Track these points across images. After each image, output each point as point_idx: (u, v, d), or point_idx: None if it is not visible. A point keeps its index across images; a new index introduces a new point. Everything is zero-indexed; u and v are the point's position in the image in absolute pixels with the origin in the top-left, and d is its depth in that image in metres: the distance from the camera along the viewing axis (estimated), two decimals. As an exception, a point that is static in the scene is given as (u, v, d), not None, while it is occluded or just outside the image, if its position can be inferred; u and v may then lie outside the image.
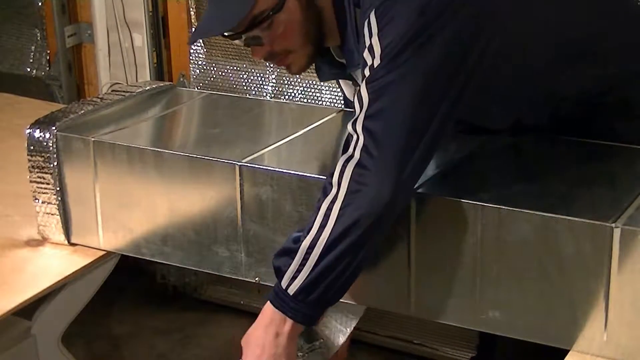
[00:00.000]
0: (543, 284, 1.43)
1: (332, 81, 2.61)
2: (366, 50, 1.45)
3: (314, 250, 1.44)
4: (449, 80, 1.43)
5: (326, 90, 2.63)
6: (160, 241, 1.77)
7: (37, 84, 3.18)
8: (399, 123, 1.41)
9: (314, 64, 1.72)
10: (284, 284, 1.47)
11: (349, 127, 1.46)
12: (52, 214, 1.85)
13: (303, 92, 2.69)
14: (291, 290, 1.46)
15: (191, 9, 2.85)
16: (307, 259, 1.44)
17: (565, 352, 1.44)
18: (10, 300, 1.69)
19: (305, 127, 1.81)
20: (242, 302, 3.01)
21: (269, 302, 1.50)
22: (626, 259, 1.36)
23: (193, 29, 2.85)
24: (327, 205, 1.43)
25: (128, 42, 2.95)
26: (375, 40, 1.43)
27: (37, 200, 1.85)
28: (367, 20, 1.45)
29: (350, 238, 1.42)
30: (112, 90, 2.07)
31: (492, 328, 1.49)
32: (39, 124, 1.83)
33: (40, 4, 3.13)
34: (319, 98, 2.67)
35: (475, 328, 1.53)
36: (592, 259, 1.38)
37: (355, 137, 1.44)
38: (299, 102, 2.64)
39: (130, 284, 3.02)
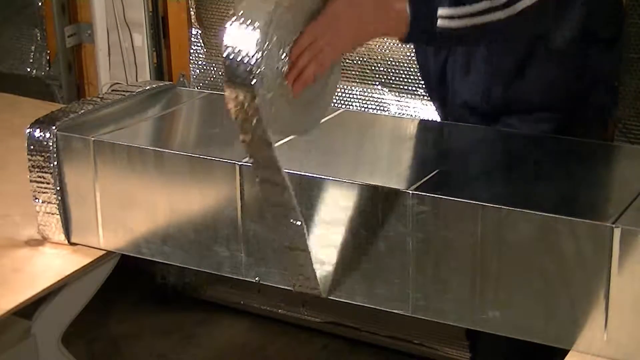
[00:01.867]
0: (543, 284, 1.43)
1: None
2: None
3: (493, 14, 1.52)
4: None
5: (326, 90, 2.63)
6: (161, 241, 1.77)
7: (37, 84, 3.18)
8: None
9: None
10: (440, 12, 1.51)
11: None
12: (52, 214, 1.85)
13: (303, 92, 2.69)
14: (439, 20, 1.51)
15: (191, 9, 2.85)
16: (480, 16, 1.52)
17: (565, 352, 1.44)
18: (10, 300, 1.69)
19: (305, 127, 1.81)
20: (242, 302, 3.02)
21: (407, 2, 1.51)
22: (626, 259, 1.36)
23: (193, 29, 2.86)
24: None
25: (128, 42, 2.95)
26: None
27: (37, 200, 1.85)
28: None
29: (530, 20, 1.54)
30: (112, 90, 2.07)
31: (492, 328, 1.49)
32: (39, 123, 1.83)
33: (40, 4, 3.14)
34: (319, 98, 2.66)
35: (475, 328, 1.52)
36: (592, 259, 1.38)
37: None
38: (299, 102, 2.64)
39: (130, 284, 3.02)
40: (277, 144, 1.72)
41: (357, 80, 2.63)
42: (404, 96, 2.58)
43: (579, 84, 1.76)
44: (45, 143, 1.81)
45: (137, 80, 2.92)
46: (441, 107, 1.91)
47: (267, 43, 1.36)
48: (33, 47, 3.20)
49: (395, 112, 2.56)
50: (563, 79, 1.75)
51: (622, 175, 1.57)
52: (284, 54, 1.41)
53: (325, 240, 1.57)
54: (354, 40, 1.51)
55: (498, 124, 1.78)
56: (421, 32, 1.52)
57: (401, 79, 2.57)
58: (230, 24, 1.36)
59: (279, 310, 2.97)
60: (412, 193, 1.49)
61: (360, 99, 2.64)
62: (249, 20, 1.35)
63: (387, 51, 2.56)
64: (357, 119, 1.90)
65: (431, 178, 1.54)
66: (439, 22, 1.51)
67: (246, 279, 1.70)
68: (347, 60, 2.59)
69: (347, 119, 1.90)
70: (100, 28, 2.98)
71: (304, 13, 1.44)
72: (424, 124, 1.95)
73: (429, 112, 2.41)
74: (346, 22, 1.48)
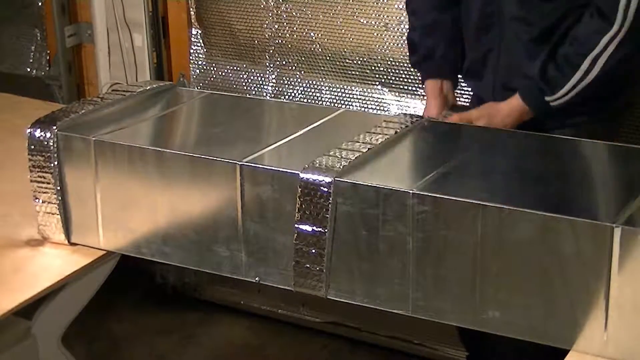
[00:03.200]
0: (543, 283, 1.43)
1: (332, 81, 2.63)
2: None
3: (590, 74, 1.79)
4: None
5: (326, 90, 2.64)
6: (161, 241, 1.77)
7: (37, 84, 3.18)
8: None
9: None
10: (549, 99, 1.90)
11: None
12: (52, 214, 1.85)
13: (303, 92, 2.69)
14: (551, 103, 1.91)
15: (191, 9, 2.85)
16: (581, 82, 1.81)
17: (565, 352, 1.44)
18: (10, 300, 1.69)
19: (305, 127, 1.81)
20: (242, 302, 3.02)
21: (521, 98, 1.95)
22: (626, 259, 1.36)
23: (193, 29, 2.86)
24: (610, 39, 1.80)
25: (128, 42, 2.95)
26: None
27: (37, 200, 1.85)
28: None
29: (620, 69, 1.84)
30: (112, 90, 2.07)
31: (492, 328, 1.49)
32: (39, 123, 1.83)
33: (40, 4, 3.14)
34: (319, 98, 2.67)
35: (476, 328, 1.52)
36: (592, 259, 1.38)
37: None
38: (299, 102, 2.64)
39: (130, 284, 3.02)
40: (276, 144, 1.73)
41: (357, 80, 2.63)
42: (404, 96, 2.58)
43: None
44: (46, 143, 1.81)
45: (137, 80, 2.92)
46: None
47: None
48: (33, 47, 3.21)
49: (396, 112, 2.56)
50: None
51: (622, 175, 1.57)
52: None
53: (326, 240, 1.57)
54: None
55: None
56: (543, 113, 1.94)
57: (401, 79, 2.58)
58: None
59: (279, 310, 2.97)
60: (413, 193, 1.49)
61: (360, 99, 2.64)
62: None
63: (387, 51, 2.57)
64: (357, 119, 1.90)
65: (431, 178, 1.54)
66: (553, 104, 1.90)
67: (246, 279, 1.70)
68: (347, 60, 2.60)
69: (347, 119, 1.90)
70: (100, 28, 2.98)
71: None
72: (424, 124, 1.95)
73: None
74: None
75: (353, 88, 2.64)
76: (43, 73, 3.19)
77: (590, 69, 1.82)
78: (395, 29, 2.55)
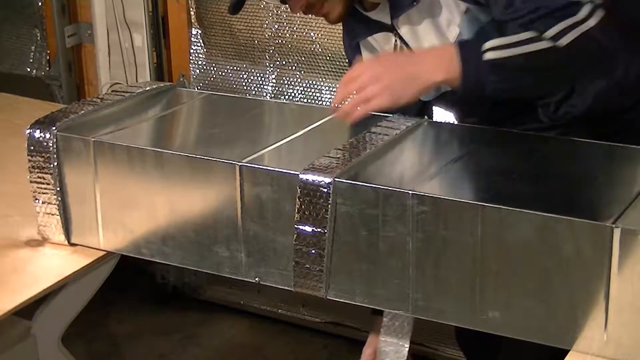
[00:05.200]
0: (543, 284, 1.43)
1: (332, 81, 2.63)
2: None
3: (536, 43, 1.51)
4: None
5: (326, 90, 2.64)
6: (160, 241, 1.77)
7: (37, 84, 3.18)
8: None
9: (346, 27, 1.79)
10: (486, 45, 1.53)
11: None
12: (52, 214, 1.85)
13: (303, 92, 2.69)
14: (488, 53, 1.52)
15: (191, 9, 2.85)
16: (523, 45, 1.52)
17: (565, 352, 1.44)
18: (10, 300, 1.69)
19: (305, 127, 1.81)
20: (242, 302, 3.02)
21: (454, 45, 1.55)
22: (626, 259, 1.36)
23: (193, 29, 2.86)
24: (569, 25, 1.52)
25: (128, 42, 2.95)
26: None
27: (37, 201, 1.85)
28: None
29: (572, 61, 1.54)
30: (112, 91, 2.07)
31: (492, 328, 1.49)
32: (39, 124, 1.83)
33: (40, 4, 3.14)
34: (319, 98, 2.67)
35: (476, 328, 1.52)
36: (592, 259, 1.38)
37: (589, 6, 1.53)
38: (299, 102, 2.64)
39: (130, 284, 3.02)
40: (276, 145, 1.73)
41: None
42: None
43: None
44: (46, 143, 1.81)
45: (137, 81, 2.92)
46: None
47: None
48: (33, 47, 3.21)
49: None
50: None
51: (622, 175, 1.57)
52: None
53: (325, 240, 1.57)
54: (414, 91, 1.53)
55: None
56: (474, 70, 1.53)
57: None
58: None
59: (279, 310, 2.97)
60: (412, 193, 1.49)
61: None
62: None
63: (387, 51, 2.56)
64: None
65: (431, 178, 1.54)
66: (487, 55, 1.53)
67: (246, 279, 1.70)
68: (347, 60, 2.59)
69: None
70: (100, 28, 2.98)
71: None
72: (424, 124, 1.95)
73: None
74: (409, 68, 1.52)
75: (353, 88, 2.63)
76: (43, 73, 3.19)
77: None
78: (395, 29, 2.55)
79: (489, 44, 1.53)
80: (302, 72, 2.69)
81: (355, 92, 1.57)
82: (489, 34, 1.57)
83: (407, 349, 1.70)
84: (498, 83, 1.54)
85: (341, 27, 1.91)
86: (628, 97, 1.75)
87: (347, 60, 1.96)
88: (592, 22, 1.53)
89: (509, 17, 1.59)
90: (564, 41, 1.52)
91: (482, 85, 1.53)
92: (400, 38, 1.75)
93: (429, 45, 1.73)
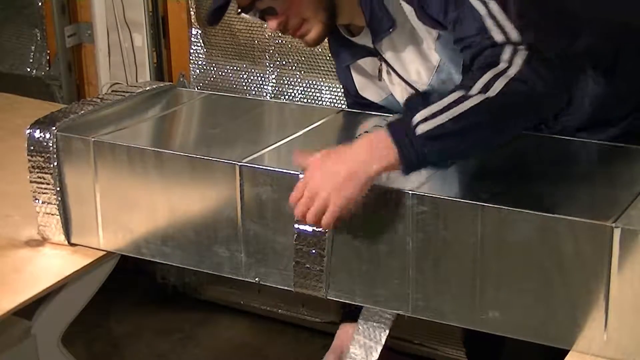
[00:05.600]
0: (543, 284, 1.43)
1: (332, 81, 2.63)
2: None
3: (465, 102, 1.44)
4: None
5: (326, 90, 2.63)
6: (160, 241, 1.77)
7: (37, 84, 3.18)
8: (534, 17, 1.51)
9: (332, 51, 1.76)
10: (415, 119, 1.45)
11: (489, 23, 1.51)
12: (52, 214, 1.85)
13: (303, 92, 2.69)
14: (419, 129, 1.44)
15: (191, 9, 2.85)
16: (452, 107, 1.44)
17: (565, 352, 1.44)
18: (10, 300, 1.69)
19: (305, 127, 1.81)
20: (242, 302, 3.02)
21: (384, 129, 1.46)
22: (626, 259, 1.36)
23: (193, 29, 2.86)
24: (493, 75, 1.46)
25: (128, 42, 2.95)
26: None
27: (37, 201, 1.85)
28: None
29: (502, 108, 1.45)
30: (112, 91, 2.07)
31: (492, 328, 1.49)
32: (39, 124, 1.83)
33: (40, 4, 3.14)
34: (319, 98, 2.67)
35: (475, 328, 1.53)
36: (592, 259, 1.38)
37: (509, 49, 1.48)
38: (299, 102, 2.64)
39: (130, 284, 3.02)
40: (276, 145, 1.73)
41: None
42: (403, 96, 2.58)
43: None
44: (46, 144, 1.81)
45: (137, 80, 2.92)
46: None
47: None
48: (33, 47, 3.20)
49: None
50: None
51: (622, 175, 1.57)
52: None
53: (325, 240, 1.57)
54: (357, 188, 1.47)
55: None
56: (410, 148, 1.45)
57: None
58: None
59: (279, 310, 2.97)
60: (412, 193, 1.49)
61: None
62: None
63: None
64: (356, 119, 1.89)
65: (431, 178, 1.54)
66: (419, 129, 1.44)
67: (246, 279, 1.70)
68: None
69: (347, 119, 1.90)
70: (100, 28, 2.98)
71: None
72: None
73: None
74: (343, 169, 1.46)
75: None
76: (43, 73, 3.18)
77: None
78: (395, 29, 2.54)
79: (418, 117, 1.45)
80: (302, 72, 2.69)
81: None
82: (417, 105, 1.50)
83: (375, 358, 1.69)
84: (440, 152, 1.47)
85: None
86: (627, 102, 1.73)
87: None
88: (514, 69, 1.47)
89: (460, 46, 1.58)
90: (492, 92, 1.45)
91: (423, 160, 1.46)
92: (386, 62, 1.75)
93: (415, 71, 1.73)
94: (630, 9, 1.73)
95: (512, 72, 1.47)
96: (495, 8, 1.53)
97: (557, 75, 1.49)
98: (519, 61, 1.48)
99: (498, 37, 1.51)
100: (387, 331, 1.70)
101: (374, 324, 1.68)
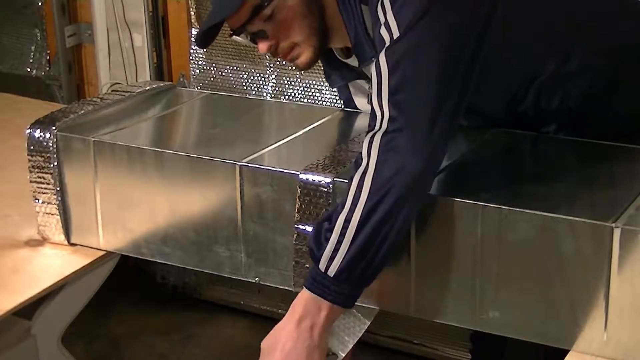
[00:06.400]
0: (543, 284, 1.43)
1: (332, 81, 2.62)
2: (382, 27, 1.45)
3: (351, 224, 1.41)
4: (465, 39, 1.44)
5: (326, 90, 2.63)
6: (160, 241, 1.77)
7: (37, 84, 3.18)
8: (423, 90, 1.42)
9: (325, 73, 1.73)
10: (322, 266, 1.43)
11: (373, 102, 1.45)
12: (52, 214, 1.85)
13: (303, 92, 2.69)
14: (331, 272, 1.42)
15: (191, 9, 2.84)
16: (344, 234, 1.41)
17: (565, 352, 1.44)
18: (10, 300, 1.69)
19: (305, 127, 1.81)
20: (242, 302, 3.01)
21: (304, 290, 1.45)
22: (626, 259, 1.36)
23: (193, 29, 2.86)
24: (359, 177, 1.42)
25: (128, 42, 2.95)
26: (390, 17, 1.44)
27: (37, 200, 1.85)
28: (379, 3, 1.46)
29: (385, 206, 1.40)
30: (112, 90, 2.07)
31: (492, 328, 1.49)
32: (39, 124, 1.83)
33: (40, 4, 3.13)
34: (319, 98, 2.67)
35: (475, 328, 1.53)
36: (592, 259, 1.38)
37: (380, 112, 1.43)
38: (299, 102, 2.64)
39: (130, 284, 3.02)
40: (276, 145, 1.73)
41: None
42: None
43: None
44: (45, 143, 1.81)
45: (137, 80, 2.92)
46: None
47: None
48: (33, 47, 3.20)
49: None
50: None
51: (622, 175, 1.57)
52: None
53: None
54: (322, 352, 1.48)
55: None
56: (336, 292, 1.44)
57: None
58: None
59: (279, 310, 2.97)
60: (412, 193, 1.49)
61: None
62: None
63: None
64: (357, 119, 1.89)
65: (431, 178, 1.54)
66: (330, 272, 1.43)
67: (246, 279, 1.70)
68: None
69: (346, 119, 1.90)
70: (100, 28, 2.98)
71: None
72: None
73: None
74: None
75: (353, 88, 2.63)
76: (43, 73, 3.18)
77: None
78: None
79: (322, 263, 1.43)
80: (302, 72, 2.69)
81: None
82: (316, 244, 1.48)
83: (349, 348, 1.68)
84: (363, 274, 1.44)
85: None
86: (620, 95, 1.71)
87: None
88: (371, 165, 1.42)
89: None
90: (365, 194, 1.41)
91: (355, 288, 1.45)
92: None
93: None
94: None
95: (369, 170, 1.42)
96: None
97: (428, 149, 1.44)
98: (367, 162, 1.43)
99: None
100: (368, 324, 1.69)
101: (352, 318, 1.68)
